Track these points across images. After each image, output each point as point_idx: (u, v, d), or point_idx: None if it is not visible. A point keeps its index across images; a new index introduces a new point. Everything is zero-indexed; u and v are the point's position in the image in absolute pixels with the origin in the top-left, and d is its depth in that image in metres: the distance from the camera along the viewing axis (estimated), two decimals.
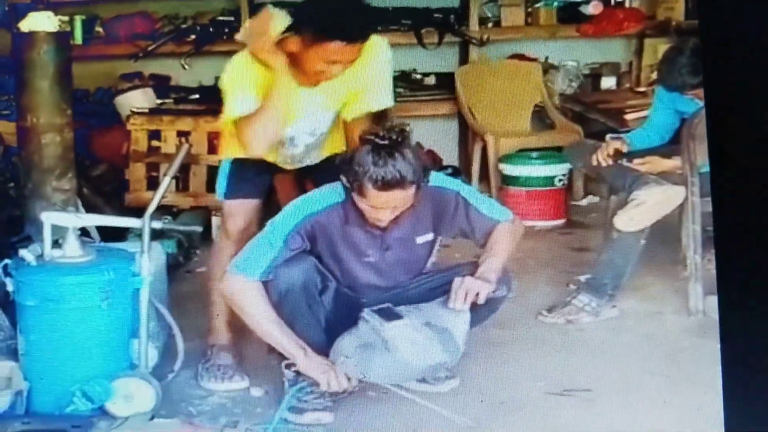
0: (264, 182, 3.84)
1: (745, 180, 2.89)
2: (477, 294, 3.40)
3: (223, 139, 3.95)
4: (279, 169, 3.86)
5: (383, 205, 3.33)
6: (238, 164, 3.79)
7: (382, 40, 3.67)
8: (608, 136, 4.53)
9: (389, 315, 3.38)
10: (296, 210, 3.48)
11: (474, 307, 3.43)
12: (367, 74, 3.66)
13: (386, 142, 3.27)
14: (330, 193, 3.49)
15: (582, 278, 4.45)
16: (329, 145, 3.84)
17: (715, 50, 2.89)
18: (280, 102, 3.53)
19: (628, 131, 5.08)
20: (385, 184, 3.25)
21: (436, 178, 3.53)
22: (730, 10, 2.86)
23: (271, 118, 3.52)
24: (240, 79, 3.58)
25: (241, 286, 3.44)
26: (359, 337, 3.39)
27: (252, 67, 3.56)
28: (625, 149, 4.41)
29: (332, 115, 3.73)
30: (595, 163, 4.41)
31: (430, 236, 3.59)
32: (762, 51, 2.85)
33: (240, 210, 3.79)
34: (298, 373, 3.45)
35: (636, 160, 4.37)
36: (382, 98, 3.73)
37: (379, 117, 5.28)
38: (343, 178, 3.37)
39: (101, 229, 4.34)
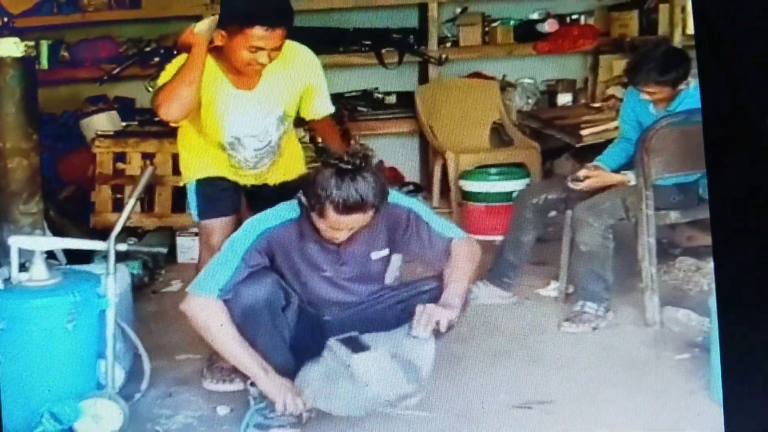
0: (232, 199, 3.93)
1: (741, 187, 2.95)
2: (438, 322, 3.38)
3: (181, 161, 4.03)
4: (242, 187, 3.95)
5: (342, 228, 3.37)
6: (203, 185, 3.90)
7: (304, 47, 3.82)
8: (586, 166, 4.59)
9: (356, 346, 3.37)
10: (252, 227, 3.50)
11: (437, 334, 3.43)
12: (303, 76, 3.82)
13: (350, 166, 3.31)
14: (285, 210, 3.51)
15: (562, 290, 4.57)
16: (285, 167, 3.94)
17: (711, 56, 2.94)
18: (197, 73, 3.64)
19: (583, 146, 5.18)
20: (347, 208, 3.29)
21: (391, 196, 3.54)
22: (726, 17, 2.91)
23: (185, 83, 3.62)
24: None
25: (201, 305, 3.43)
26: (325, 367, 3.37)
27: None
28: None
29: (275, 118, 3.81)
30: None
31: (385, 252, 3.60)
32: (756, 56, 2.90)
33: (218, 227, 3.88)
34: None
35: (582, 173, 4.47)
36: (324, 105, 3.96)
37: (345, 133, 5.29)
38: (303, 198, 3.41)
39: (68, 252, 4.37)
